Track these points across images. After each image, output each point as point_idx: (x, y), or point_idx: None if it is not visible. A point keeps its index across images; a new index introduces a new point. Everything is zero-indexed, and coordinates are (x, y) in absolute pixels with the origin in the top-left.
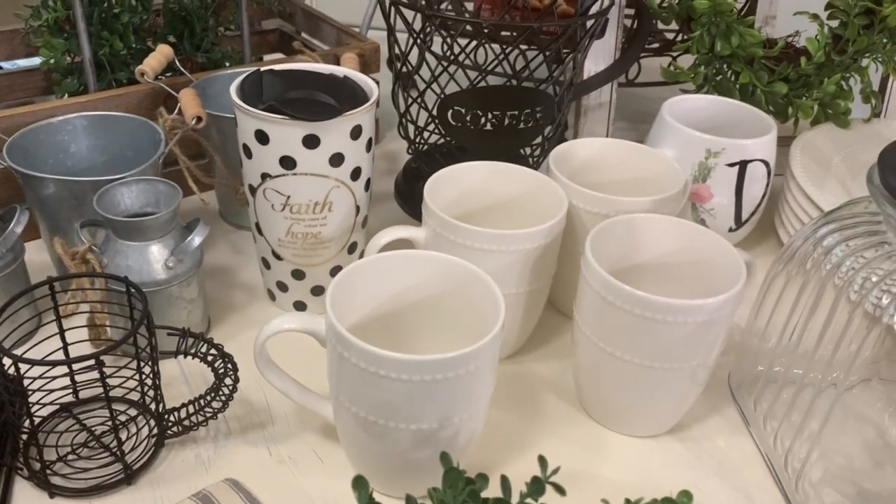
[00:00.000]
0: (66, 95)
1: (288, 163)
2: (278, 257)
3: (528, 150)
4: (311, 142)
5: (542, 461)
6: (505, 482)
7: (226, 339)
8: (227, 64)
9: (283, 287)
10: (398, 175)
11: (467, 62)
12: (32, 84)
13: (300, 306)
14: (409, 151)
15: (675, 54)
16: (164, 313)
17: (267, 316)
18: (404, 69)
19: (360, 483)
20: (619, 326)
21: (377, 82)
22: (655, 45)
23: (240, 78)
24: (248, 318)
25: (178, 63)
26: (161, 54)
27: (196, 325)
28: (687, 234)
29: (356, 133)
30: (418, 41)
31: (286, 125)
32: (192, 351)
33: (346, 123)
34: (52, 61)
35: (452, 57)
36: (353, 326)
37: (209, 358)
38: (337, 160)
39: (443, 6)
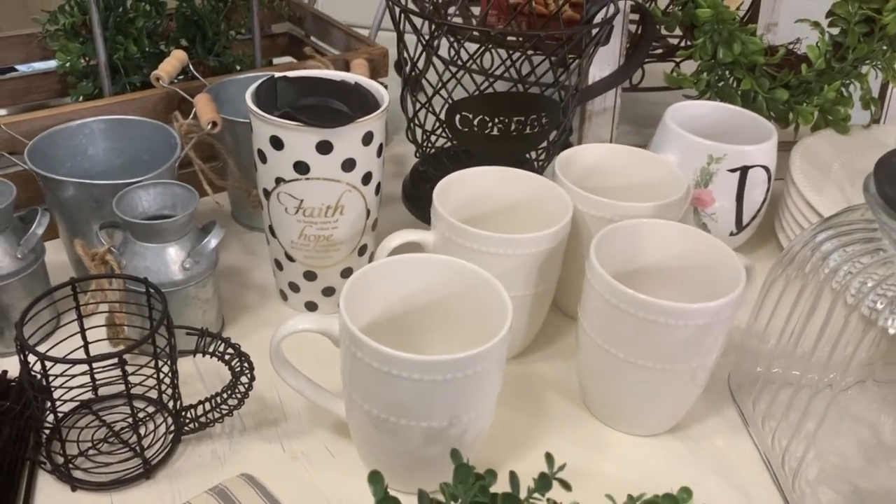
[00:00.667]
0: (82, 98)
1: (302, 168)
2: (291, 259)
3: (533, 154)
4: (325, 147)
5: (549, 458)
6: (514, 478)
7: (239, 338)
8: (238, 67)
9: (295, 288)
10: (406, 178)
11: (474, 67)
12: (48, 87)
13: (311, 306)
14: (417, 155)
15: (678, 60)
16: (180, 313)
17: (279, 316)
18: (413, 73)
19: (375, 478)
20: (622, 328)
21: (385, 87)
22: (659, 51)
23: (255, 85)
24: (261, 317)
25: (191, 68)
26: (175, 59)
27: (210, 324)
28: (689, 239)
29: (368, 139)
30: (427, 48)
31: (300, 131)
32: (210, 350)
33: (357, 130)
34: (68, 65)
35: (460, 62)
36: (365, 327)
37: (226, 357)
38: (349, 165)
39: (450, 11)
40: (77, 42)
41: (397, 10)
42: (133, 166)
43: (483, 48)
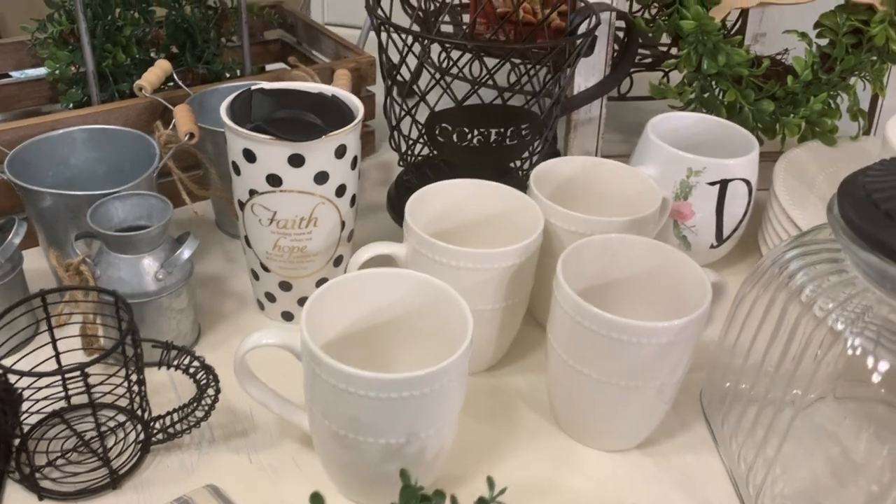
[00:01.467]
0: (71, 105)
1: (274, 180)
2: (266, 269)
3: (517, 164)
4: (297, 161)
5: (490, 482)
6: (454, 501)
7: (215, 346)
8: (228, 75)
9: (271, 297)
10: (391, 186)
11: (460, 75)
12: (39, 93)
13: (287, 316)
14: (401, 164)
15: (666, 69)
16: (154, 323)
17: (255, 325)
18: (398, 80)
19: (316, 499)
20: (588, 345)
21: (373, 94)
22: (648, 60)
23: (230, 97)
24: (238, 326)
25: (176, 77)
26: (159, 69)
27: (185, 333)
28: (658, 254)
29: (340, 152)
30: (411, 55)
31: (272, 145)
32: (175, 363)
33: (330, 143)
34: (57, 72)
35: (445, 70)
36: (332, 342)
37: (191, 370)
38: (322, 178)
39: (441, 18)
40: (66, 50)
41: (377, 22)
42: (115, 175)
43: (466, 57)
